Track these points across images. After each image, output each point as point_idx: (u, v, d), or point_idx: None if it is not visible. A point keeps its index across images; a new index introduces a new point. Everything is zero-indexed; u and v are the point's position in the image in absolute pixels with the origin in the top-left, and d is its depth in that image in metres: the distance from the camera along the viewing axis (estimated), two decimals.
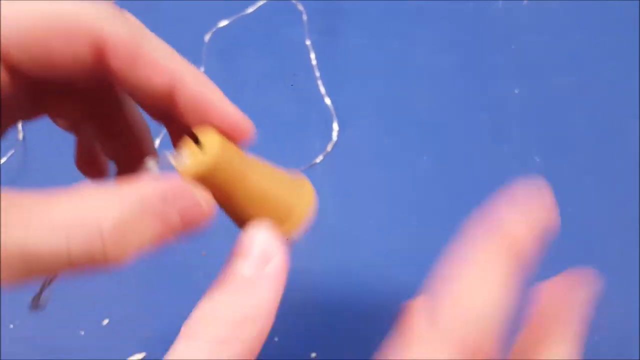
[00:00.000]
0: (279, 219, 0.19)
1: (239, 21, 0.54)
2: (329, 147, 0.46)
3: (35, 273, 0.15)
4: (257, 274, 0.17)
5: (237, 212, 0.19)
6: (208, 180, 0.18)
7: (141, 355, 0.37)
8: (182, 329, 0.16)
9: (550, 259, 0.40)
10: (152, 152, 0.24)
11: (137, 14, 0.19)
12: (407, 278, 0.39)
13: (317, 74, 0.50)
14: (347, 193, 0.44)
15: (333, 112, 0.48)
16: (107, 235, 0.15)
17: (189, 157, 0.18)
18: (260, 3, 0.54)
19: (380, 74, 0.51)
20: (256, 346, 0.16)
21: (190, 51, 0.53)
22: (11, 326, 0.38)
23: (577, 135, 0.46)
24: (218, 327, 0.16)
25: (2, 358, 0.37)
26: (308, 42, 0.52)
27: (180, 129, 0.20)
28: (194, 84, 0.18)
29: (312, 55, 0.52)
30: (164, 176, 0.17)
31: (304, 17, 0.54)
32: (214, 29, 0.53)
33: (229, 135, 0.19)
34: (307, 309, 0.40)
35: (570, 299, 0.20)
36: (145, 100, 0.19)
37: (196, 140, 0.18)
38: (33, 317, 0.39)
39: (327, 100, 0.49)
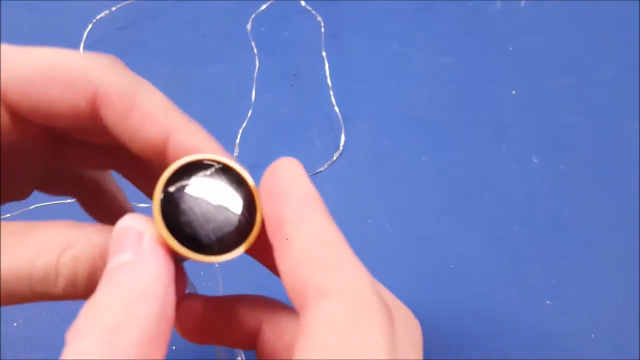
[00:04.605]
0: None
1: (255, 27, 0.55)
2: (335, 156, 0.45)
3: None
4: (132, 256, 0.16)
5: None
6: None
7: None
8: (67, 336, 0.14)
9: (549, 260, 0.39)
10: None
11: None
12: (408, 279, 0.39)
13: (330, 83, 0.50)
14: (351, 196, 0.43)
15: (342, 122, 0.47)
16: (63, 264, 0.16)
17: None
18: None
19: (380, 76, 0.51)
20: (155, 328, 0.14)
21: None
22: (15, 324, 0.39)
23: (575, 135, 0.46)
24: (104, 316, 0.14)
25: (6, 356, 0.38)
26: (324, 54, 0.52)
27: None
28: (187, 136, 0.18)
29: (327, 67, 0.51)
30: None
31: (322, 30, 0.54)
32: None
33: None
34: None
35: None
36: (140, 151, 0.18)
37: None
38: (37, 315, 0.40)
39: (336, 109, 0.48)
